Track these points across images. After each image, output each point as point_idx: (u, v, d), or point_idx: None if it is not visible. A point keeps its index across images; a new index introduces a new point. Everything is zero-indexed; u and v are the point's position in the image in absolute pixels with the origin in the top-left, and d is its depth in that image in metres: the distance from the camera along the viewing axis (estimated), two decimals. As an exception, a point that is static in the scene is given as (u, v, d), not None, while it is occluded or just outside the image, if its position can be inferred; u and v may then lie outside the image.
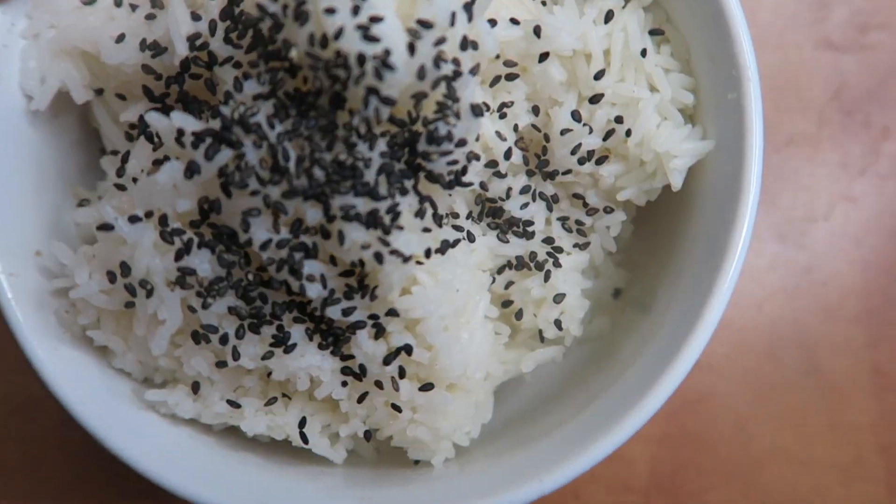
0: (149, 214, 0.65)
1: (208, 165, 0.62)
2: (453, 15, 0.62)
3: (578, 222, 0.81)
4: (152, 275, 0.65)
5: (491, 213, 0.79)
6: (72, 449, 0.93)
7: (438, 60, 0.62)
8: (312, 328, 0.70)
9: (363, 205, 0.63)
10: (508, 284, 0.80)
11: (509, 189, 0.78)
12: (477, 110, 0.66)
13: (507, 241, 0.79)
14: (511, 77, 0.74)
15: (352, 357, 0.71)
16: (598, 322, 0.90)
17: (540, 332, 0.81)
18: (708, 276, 0.70)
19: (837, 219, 1.02)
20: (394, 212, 0.64)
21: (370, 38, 0.59)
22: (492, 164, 0.76)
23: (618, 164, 0.77)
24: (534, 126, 0.77)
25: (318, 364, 0.70)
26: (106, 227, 0.63)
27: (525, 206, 0.78)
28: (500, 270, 0.80)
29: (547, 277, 0.79)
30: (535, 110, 0.77)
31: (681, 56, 0.77)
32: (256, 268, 0.67)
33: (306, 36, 0.60)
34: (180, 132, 0.62)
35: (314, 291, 0.66)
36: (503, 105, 0.74)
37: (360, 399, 0.73)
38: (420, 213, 0.67)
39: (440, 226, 0.70)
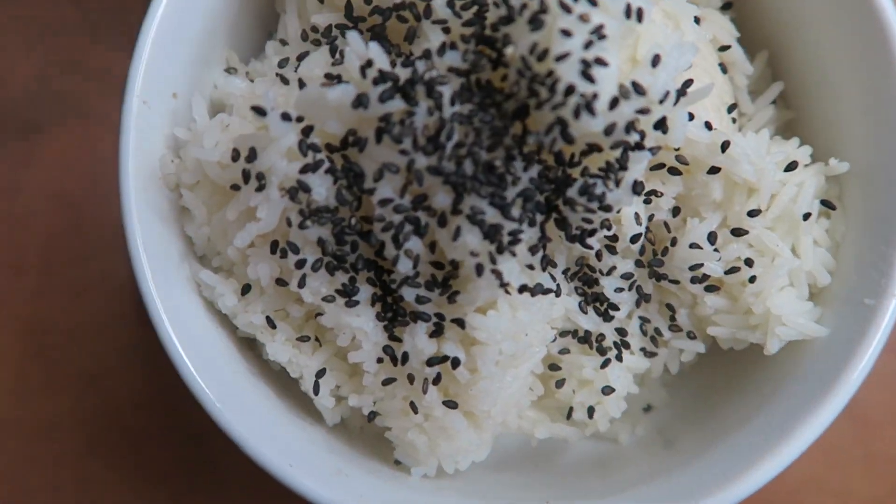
0: (300, 119, 0.65)
1: (377, 106, 0.62)
2: (666, 94, 0.62)
3: (657, 331, 0.80)
4: (272, 174, 0.65)
5: (584, 279, 0.78)
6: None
7: (630, 127, 0.62)
8: (380, 296, 0.70)
9: (491, 215, 0.62)
10: (564, 351, 0.79)
11: (613, 268, 0.77)
12: (638, 188, 0.65)
13: (586, 313, 0.78)
14: (674, 172, 0.73)
15: (400, 341, 0.70)
16: (618, 427, 0.88)
17: (570, 409, 0.80)
18: (758, 455, 0.68)
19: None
20: (515, 237, 0.63)
21: (588, 76, 0.58)
22: (613, 238, 0.75)
23: (725, 300, 0.76)
24: (665, 224, 0.76)
25: (368, 330, 0.70)
26: (259, 110, 0.63)
27: (619, 290, 0.78)
28: (562, 334, 0.79)
29: (604, 365, 0.78)
30: (676, 211, 0.76)
31: (834, 237, 0.76)
32: (363, 217, 0.67)
33: (530, 42, 0.60)
34: (369, 63, 0.63)
35: (404, 266, 0.65)
36: (653, 192, 0.73)
37: (386, 382, 0.72)
38: (533, 250, 0.67)
39: (543, 269, 0.69)
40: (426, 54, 0.64)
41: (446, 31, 0.66)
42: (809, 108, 0.82)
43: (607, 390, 0.78)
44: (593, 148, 0.63)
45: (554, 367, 0.80)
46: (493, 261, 0.64)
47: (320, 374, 0.74)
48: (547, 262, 0.69)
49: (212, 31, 0.78)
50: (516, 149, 0.63)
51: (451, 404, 0.72)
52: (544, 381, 0.81)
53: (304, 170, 0.65)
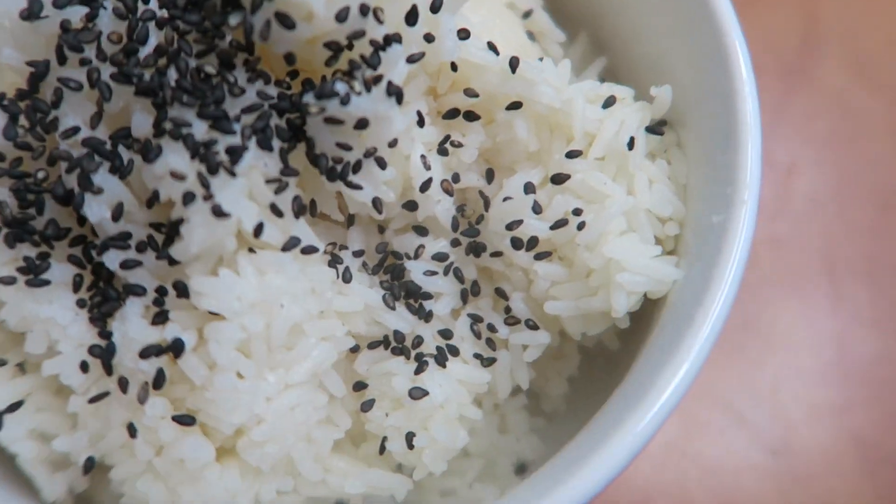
0: (-34, 47, 0.52)
1: (54, 14, 0.49)
2: (408, -26, 0.51)
3: (491, 327, 0.62)
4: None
5: (390, 270, 0.61)
6: None
7: (366, 10, 0.50)
8: (86, 279, 0.52)
9: (200, 129, 0.48)
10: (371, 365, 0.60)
11: (420, 248, 0.61)
12: (394, 90, 0.52)
13: (393, 309, 0.60)
14: (471, 117, 0.60)
15: (109, 336, 0.51)
16: (480, 490, 0.66)
17: (383, 440, 0.59)
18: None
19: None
20: (236, 155, 0.48)
21: (291, -68, 0.48)
22: (409, 205, 0.60)
23: (559, 267, 0.60)
24: (481, 193, 0.62)
25: (64, 323, 0.51)
26: None
27: (431, 274, 0.61)
28: (371, 345, 0.61)
29: (419, 370, 0.59)
30: (490, 175, 0.62)
31: (678, 181, 0.62)
32: (49, 160, 0.52)
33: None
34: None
35: (95, 213, 0.49)
36: (448, 140, 0.60)
37: (95, 399, 0.52)
38: (277, 187, 0.51)
39: (296, 217, 0.53)
40: None
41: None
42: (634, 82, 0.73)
43: (427, 408, 0.58)
44: (333, 49, 0.51)
45: (360, 385, 0.60)
46: (206, 185, 0.48)
47: (13, 407, 0.53)
48: (300, 208, 0.53)
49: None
50: (236, 55, 0.51)
51: (185, 420, 0.51)
52: (350, 407, 0.60)
53: (-34, 104, 0.51)
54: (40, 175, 0.52)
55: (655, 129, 0.62)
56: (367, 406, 0.59)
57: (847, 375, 0.85)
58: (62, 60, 0.50)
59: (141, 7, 0.50)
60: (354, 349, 0.60)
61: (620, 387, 0.58)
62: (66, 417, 0.55)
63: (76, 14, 0.49)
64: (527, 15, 0.73)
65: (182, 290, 0.50)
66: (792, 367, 0.86)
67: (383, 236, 0.62)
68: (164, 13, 0.50)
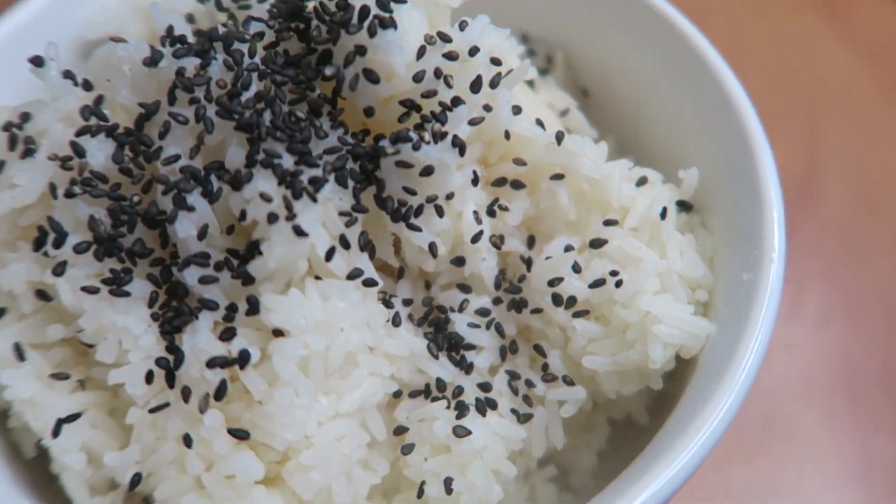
0: (88, 86, 0.59)
1: (172, 62, 0.57)
2: (475, 49, 0.60)
3: (529, 383, 0.65)
4: (43, 137, 0.57)
5: (434, 323, 0.65)
6: None
7: (440, 74, 0.58)
8: (160, 296, 0.56)
9: (288, 161, 0.54)
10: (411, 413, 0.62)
11: (465, 302, 0.65)
12: (458, 142, 0.58)
13: (436, 358, 0.63)
14: (517, 185, 0.67)
15: (178, 351, 0.54)
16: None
17: (421, 485, 0.59)
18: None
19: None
20: (317, 184, 0.54)
21: (383, 6, 0.57)
22: (458, 261, 0.65)
23: (597, 325, 0.63)
24: (522, 258, 0.67)
25: (138, 333, 0.54)
26: (37, 60, 0.59)
27: (474, 326, 0.64)
28: (412, 394, 0.63)
29: (460, 416, 0.60)
30: (531, 242, 0.68)
31: (705, 253, 0.68)
32: (144, 187, 0.57)
33: (327, -9, 0.59)
34: (169, 30, 0.60)
35: (184, 230, 0.54)
36: (497, 204, 0.66)
37: (156, 409, 0.53)
38: (348, 220, 0.57)
39: (361, 251, 0.58)
40: (231, 18, 0.62)
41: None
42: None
43: (467, 453, 0.59)
44: (407, 106, 0.59)
45: (400, 429, 0.62)
46: (290, 207, 0.53)
47: (71, 418, 0.55)
48: (366, 243, 0.58)
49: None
50: (324, 106, 0.58)
51: (240, 434, 0.52)
52: (388, 455, 0.61)
53: (81, 132, 0.57)
54: (135, 199, 0.57)
55: (684, 205, 0.68)
56: (407, 449, 0.60)
57: (871, 479, 0.85)
58: (172, 101, 0.57)
59: (246, 61, 0.58)
60: (397, 394, 0.62)
61: (647, 448, 0.59)
62: (116, 438, 0.56)
63: (191, 63, 0.57)
64: (563, 113, 0.82)
65: (254, 305, 0.54)
66: (815, 469, 0.86)
67: (429, 291, 0.67)
68: (265, 67, 0.58)
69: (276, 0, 0.65)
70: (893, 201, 1.10)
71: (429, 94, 0.58)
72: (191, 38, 0.60)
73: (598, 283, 0.63)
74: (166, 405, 0.53)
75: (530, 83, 0.79)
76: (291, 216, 0.53)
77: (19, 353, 0.57)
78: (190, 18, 0.70)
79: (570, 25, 0.84)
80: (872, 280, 1.02)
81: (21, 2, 0.73)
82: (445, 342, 0.65)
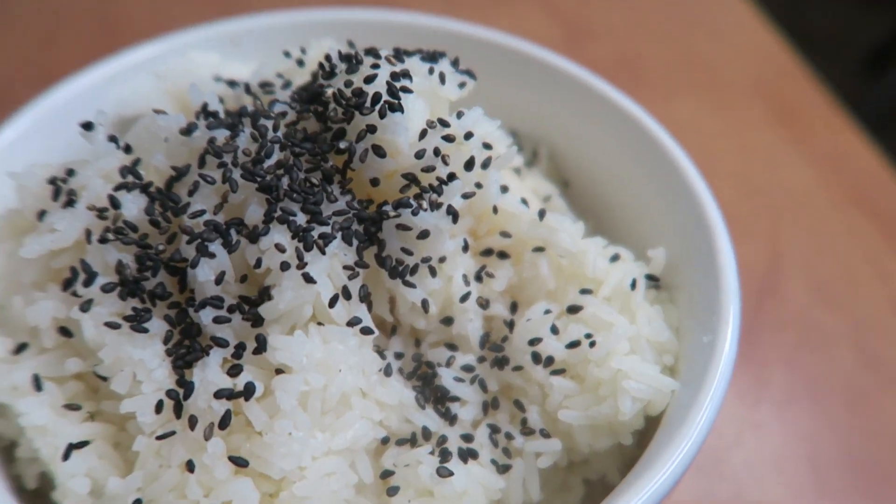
0: (129, 149, 0.67)
1: (204, 133, 0.66)
2: (470, 134, 0.69)
3: (508, 436, 0.69)
4: (84, 191, 0.64)
5: (422, 377, 0.71)
6: None
7: (439, 153, 0.67)
8: (174, 335, 0.62)
9: (301, 219, 0.62)
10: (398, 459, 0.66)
11: (451, 358, 0.71)
12: (451, 211, 0.66)
13: (423, 409, 0.68)
14: (502, 256, 0.74)
15: (188, 384, 0.59)
16: None
17: (405, 526, 0.63)
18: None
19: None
20: (326, 239, 0.61)
21: (393, 94, 0.66)
22: (447, 321, 0.71)
23: (572, 383, 0.69)
24: (505, 322, 0.74)
25: (152, 367, 0.59)
26: (87, 125, 0.67)
27: (459, 381, 0.70)
28: (399, 442, 0.68)
29: (444, 461, 0.65)
30: (513, 308, 0.74)
31: (672, 323, 0.74)
32: (169, 238, 0.64)
33: (345, 79, 0.68)
34: (204, 107, 0.69)
35: (204, 274, 0.60)
36: (483, 269, 0.73)
37: (163, 437, 0.58)
38: (351, 275, 0.63)
39: (361, 301, 0.64)
40: (254, 98, 0.71)
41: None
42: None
43: (449, 496, 0.63)
44: (409, 179, 0.67)
45: (386, 473, 0.66)
46: (301, 258, 0.60)
47: (80, 445, 0.59)
48: (366, 295, 0.64)
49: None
50: (336, 175, 0.66)
51: (240, 462, 0.57)
52: (375, 498, 0.65)
53: (119, 187, 0.64)
54: (160, 248, 0.64)
55: (652, 279, 0.75)
56: (392, 492, 0.64)
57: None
58: (202, 165, 0.65)
59: (270, 134, 0.66)
60: (385, 441, 0.67)
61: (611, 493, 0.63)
62: (119, 469, 0.60)
63: (221, 134, 0.66)
64: (546, 199, 0.90)
65: (261, 344, 0.59)
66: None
67: (419, 348, 0.72)
68: (286, 141, 0.67)
69: (298, 88, 0.75)
70: (849, 296, 1.18)
71: (428, 169, 0.66)
72: (222, 116, 0.69)
73: (574, 344, 0.69)
74: (172, 433, 0.58)
75: (517, 171, 0.89)
76: (302, 265, 0.59)
77: (37, 384, 0.61)
78: (220, 101, 0.79)
79: (554, 124, 0.95)
80: (830, 367, 1.09)
81: (66, 80, 0.83)
82: (432, 395, 0.70)
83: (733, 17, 1.75)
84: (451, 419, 0.69)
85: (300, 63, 0.78)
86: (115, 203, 0.63)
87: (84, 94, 0.80)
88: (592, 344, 0.68)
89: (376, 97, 0.66)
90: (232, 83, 0.77)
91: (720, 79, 1.57)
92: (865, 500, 0.94)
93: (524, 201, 0.75)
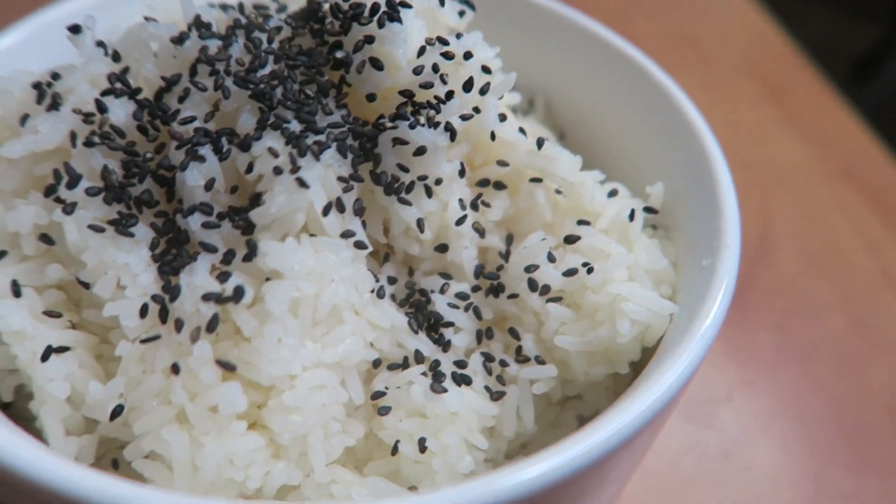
0: (117, 57, 0.65)
1: (196, 42, 0.64)
2: (468, 54, 0.68)
3: (503, 363, 0.68)
4: (70, 94, 0.62)
5: (416, 304, 0.69)
6: None
7: (437, 69, 0.65)
8: (160, 240, 0.60)
9: (295, 127, 0.60)
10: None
11: (445, 286, 0.69)
12: (449, 128, 0.65)
13: (416, 334, 0.66)
14: (499, 186, 0.73)
15: (174, 288, 0.57)
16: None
17: (396, 444, 0.61)
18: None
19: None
20: (321, 146, 0.60)
21: (392, 6, 0.65)
22: (441, 248, 0.69)
23: (569, 311, 0.68)
24: (500, 254, 0.72)
25: (137, 271, 0.57)
26: (75, 28, 0.64)
27: (453, 307, 0.68)
28: (391, 367, 0.66)
29: (437, 382, 0.63)
30: (509, 239, 0.73)
31: (669, 257, 0.73)
32: (157, 147, 0.62)
33: (342, -7, 0.67)
34: (197, 17, 0.67)
35: (193, 178, 0.58)
36: (480, 197, 0.72)
37: (147, 340, 0.55)
38: (346, 188, 0.61)
39: (356, 215, 0.62)
40: (261, 11, 0.69)
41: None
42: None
43: (441, 417, 0.61)
44: (406, 96, 0.65)
45: (378, 394, 0.64)
46: (294, 163, 0.58)
47: (59, 350, 0.56)
48: (360, 210, 0.63)
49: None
50: (331, 90, 0.64)
51: (227, 366, 0.54)
52: (366, 423, 0.63)
53: (106, 93, 0.62)
54: (148, 156, 0.61)
55: (650, 210, 0.74)
56: (383, 411, 0.62)
57: (827, 510, 0.88)
58: (193, 74, 0.63)
59: (264, 45, 0.64)
60: (376, 364, 0.65)
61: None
62: (100, 380, 0.57)
63: (214, 44, 0.64)
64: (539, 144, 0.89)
65: (252, 249, 0.57)
66: (772, 499, 0.89)
67: (412, 277, 0.71)
68: (280, 53, 0.65)
69: (293, 11, 0.73)
70: (837, 265, 1.18)
71: (426, 86, 0.65)
72: (215, 29, 0.67)
73: (570, 272, 0.68)
74: (157, 337, 0.55)
75: (513, 110, 0.88)
76: (295, 169, 0.58)
77: (16, 289, 0.59)
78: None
79: (550, 72, 0.94)
80: (820, 332, 1.08)
81: (52, 5, 0.80)
82: (425, 321, 0.68)
83: (724, -1, 1.76)
84: (444, 345, 0.67)
85: (296, -14, 0.76)
86: (101, 108, 0.61)
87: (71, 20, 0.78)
88: (590, 271, 0.67)
89: (374, 7, 0.64)
90: (224, 6, 0.75)
91: (710, 57, 1.58)
92: (854, 457, 0.94)
93: (522, 131, 0.74)
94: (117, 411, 0.55)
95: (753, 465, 0.91)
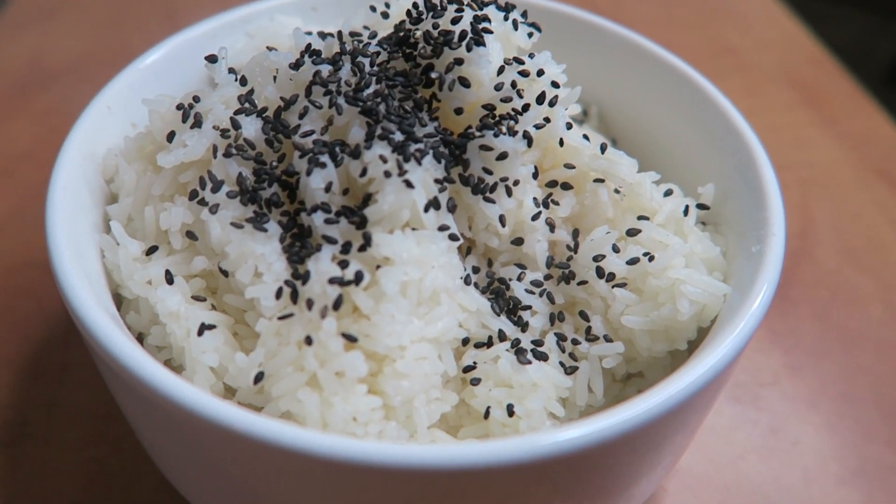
0: (244, 81, 0.77)
1: (310, 67, 0.75)
2: (541, 72, 0.78)
3: (574, 342, 0.77)
4: (209, 114, 0.74)
5: (495, 291, 0.79)
6: None
7: (514, 86, 0.76)
8: (286, 235, 0.71)
9: (399, 137, 0.70)
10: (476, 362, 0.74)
11: (521, 274, 0.79)
12: (527, 136, 0.75)
13: (498, 315, 0.76)
14: (566, 187, 0.83)
15: (303, 274, 0.68)
16: None
17: (488, 409, 0.71)
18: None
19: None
20: (422, 153, 0.70)
21: (476, 32, 0.75)
22: (517, 241, 0.79)
23: (633, 294, 0.77)
24: (568, 247, 0.82)
25: (272, 260, 0.68)
26: (211, 58, 0.76)
27: (530, 293, 0.78)
28: (477, 345, 0.76)
29: (521, 357, 0.73)
30: (575, 234, 0.82)
31: (719, 247, 0.82)
32: (280, 157, 0.73)
33: (432, 23, 0.78)
34: (308, 46, 0.78)
35: (316, 181, 0.69)
36: (549, 196, 0.81)
37: (283, 317, 0.66)
38: (441, 188, 0.72)
39: (449, 211, 0.72)
40: (356, 37, 0.81)
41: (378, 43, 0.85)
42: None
43: (525, 385, 0.71)
44: (488, 109, 0.76)
45: (468, 368, 0.74)
46: (401, 167, 0.69)
47: (210, 327, 0.68)
48: (453, 206, 0.73)
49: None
50: (425, 105, 0.75)
51: (350, 337, 0.65)
52: (459, 390, 0.73)
53: (238, 112, 0.74)
54: (273, 164, 0.73)
55: (703, 207, 0.83)
56: (475, 382, 0.72)
57: (867, 482, 0.95)
58: (309, 94, 0.74)
59: (367, 69, 0.75)
60: (465, 342, 0.75)
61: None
62: (241, 353, 0.68)
63: (325, 68, 0.75)
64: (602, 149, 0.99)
65: (367, 240, 0.68)
66: (819, 471, 0.96)
67: (491, 268, 0.81)
68: (381, 74, 0.76)
69: (383, 37, 0.84)
70: (876, 260, 1.25)
71: (506, 100, 0.75)
72: (324, 55, 0.79)
73: (633, 261, 0.77)
74: (290, 315, 0.66)
75: (574, 119, 0.97)
76: (402, 172, 0.68)
77: (169, 278, 0.70)
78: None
79: (602, 84, 1.04)
80: (861, 321, 1.16)
81: (168, 39, 0.93)
82: (505, 305, 0.78)
83: (760, 8, 1.84)
84: (523, 326, 0.77)
85: (385, 16, 0.87)
86: (235, 125, 0.73)
87: (190, 47, 0.90)
88: (651, 259, 0.76)
89: (463, 34, 0.75)
90: (323, 34, 0.87)
91: (747, 66, 1.66)
92: (895, 434, 1.01)
93: (586, 137, 0.83)
94: (258, 378, 0.66)
95: (800, 441, 0.99)
